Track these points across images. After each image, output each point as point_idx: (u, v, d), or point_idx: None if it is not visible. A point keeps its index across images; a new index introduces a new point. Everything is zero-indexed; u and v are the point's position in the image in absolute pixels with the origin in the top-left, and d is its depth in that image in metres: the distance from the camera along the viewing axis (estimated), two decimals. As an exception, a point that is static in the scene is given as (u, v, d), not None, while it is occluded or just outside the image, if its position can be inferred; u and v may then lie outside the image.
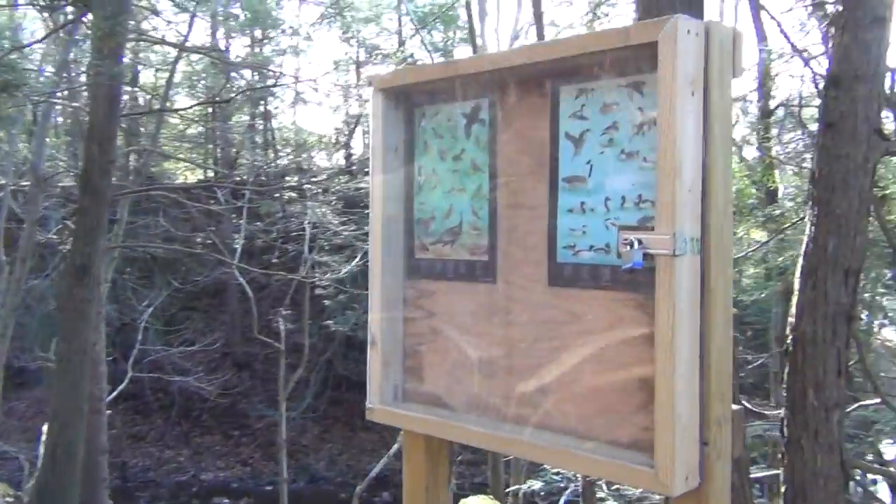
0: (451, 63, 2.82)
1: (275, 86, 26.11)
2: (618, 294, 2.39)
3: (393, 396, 2.99)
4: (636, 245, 2.18)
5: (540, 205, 2.57)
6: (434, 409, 2.87)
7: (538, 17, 17.16)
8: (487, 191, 2.73)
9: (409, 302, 2.99)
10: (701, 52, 2.14)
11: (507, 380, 2.67)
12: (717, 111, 2.18)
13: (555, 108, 2.53)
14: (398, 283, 3.00)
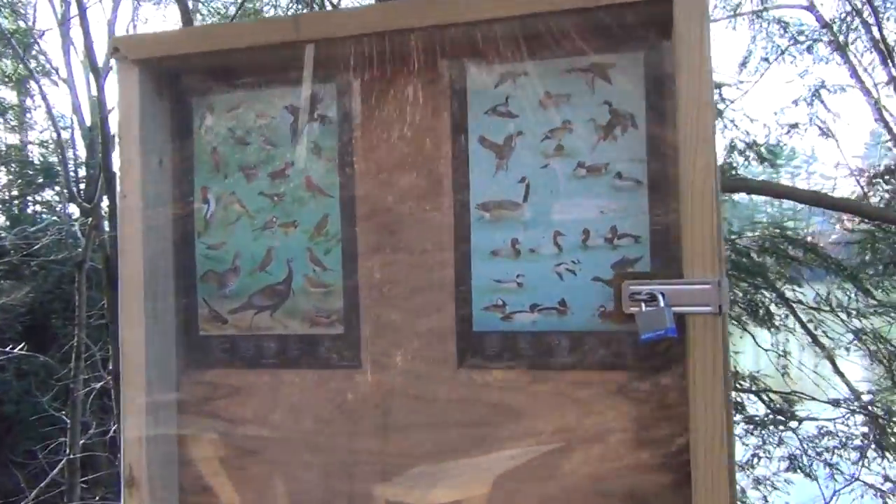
0: (267, 24, 1.79)
1: None
2: (582, 376, 1.61)
3: (170, 568, 1.80)
4: (661, 301, 1.42)
5: (439, 245, 1.68)
6: (252, 580, 1.77)
7: None
8: (339, 225, 1.75)
9: (193, 408, 1.84)
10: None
11: (390, 520, 1.70)
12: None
13: (460, 100, 1.68)
14: (170, 377, 1.83)
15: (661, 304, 1.41)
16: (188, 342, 1.85)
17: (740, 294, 5.85)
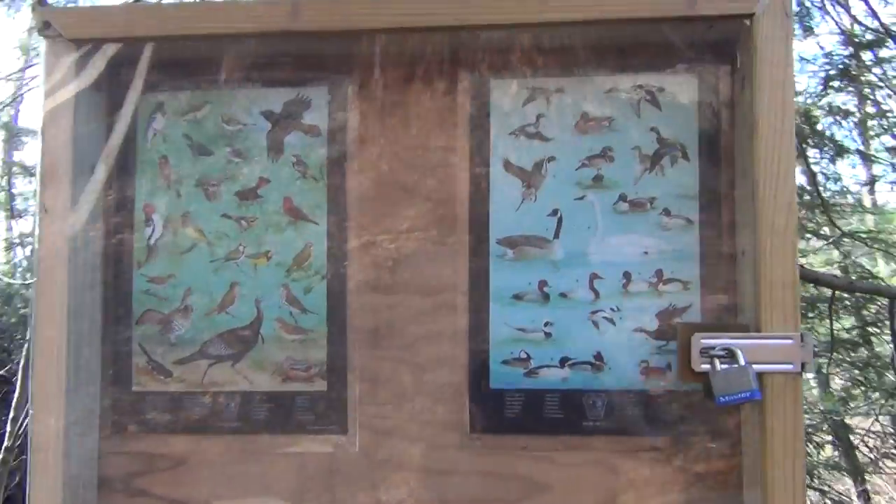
0: (253, 7, 1.46)
1: None
2: (621, 443, 1.38)
3: None
4: (742, 359, 1.22)
5: (450, 285, 1.41)
6: None
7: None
8: (325, 258, 1.44)
9: (120, 485, 1.44)
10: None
11: None
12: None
13: (481, 117, 1.44)
14: (90, 444, 1.43)
15: (742, 361, 1.21)
16: (117, 400, 1.46)
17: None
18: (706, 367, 1.24)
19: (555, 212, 1.41)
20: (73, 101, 1.40)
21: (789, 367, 1.22)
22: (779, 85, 1.26)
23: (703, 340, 1.25)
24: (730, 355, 1.23)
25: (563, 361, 1.39)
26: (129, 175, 1.48)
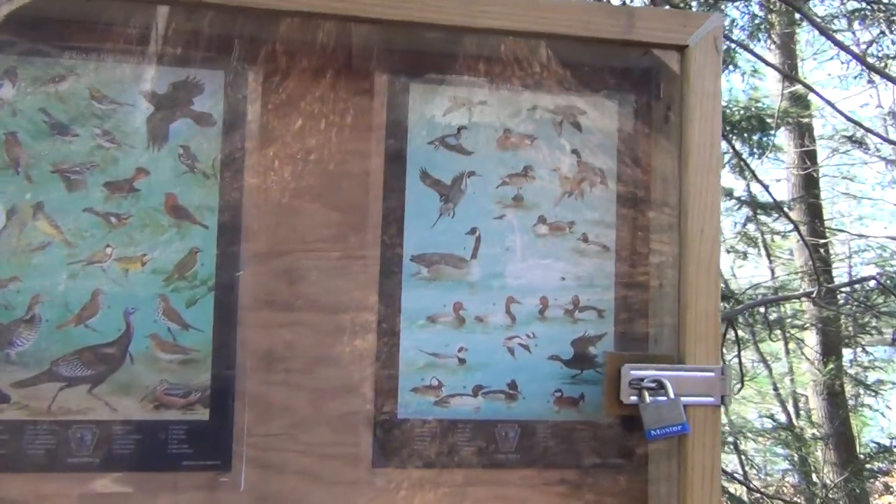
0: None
1: None
2: (531, 476, 1.31)
3: None
4: (671, 391, 1.20)
5: (357, 303, 1.28)
6: None
7: None
8: (214, 267, 1.25)
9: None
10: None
11: None
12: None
13: (398, 121, 1.32)
14: None
15: (672, 394, 1.19)
16: (-69, 431, 1.16)
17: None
18: (634, 399, 1.21)
19: (473, 230, 1.32)
20: None
21: (710, 399, 1.23)
22: (708, 117, 1.27)
23: (632, 372, 1.22)
24: (659, 387, 1.21)
25: (477, 389, 1.30)
26: (-37, 152, 1.20)
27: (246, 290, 1.25)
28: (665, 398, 1.20)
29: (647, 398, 1.20)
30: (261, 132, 1.28)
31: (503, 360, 1.31)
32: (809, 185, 7.93)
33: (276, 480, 1.24)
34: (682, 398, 1.21)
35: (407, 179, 1.31)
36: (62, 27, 1.23)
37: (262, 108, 1.28)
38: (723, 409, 1.26)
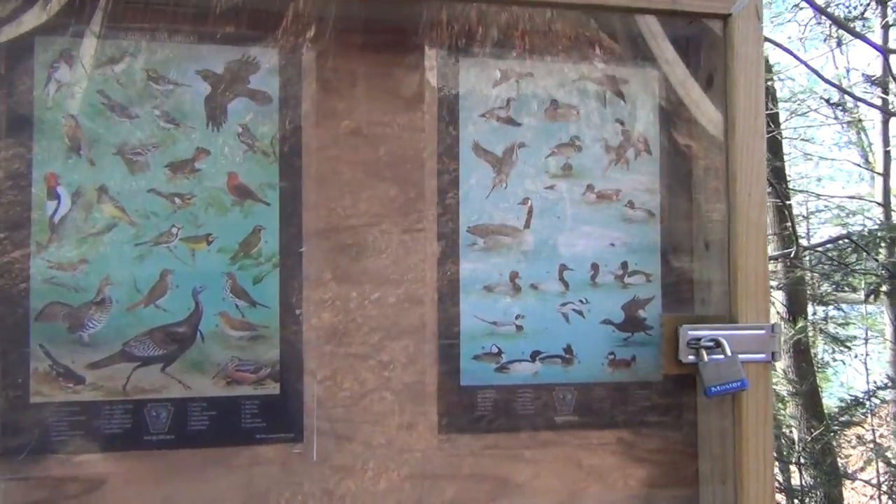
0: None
1: None
2: (589, 436, 1.36)
3: None
4: (728, 349, 1.25)
5: (418, 276, 1.31)
6: None
7: None
8: (278, 244, 1.27)
9: (15, 518, 1.16)
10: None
11: None
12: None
13: (449, 95, 1.34)
14: (-28, 472, 1.14)
15: (729, 352, 1.25)
16: (9, 415, 1.17)
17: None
18: (692, 358, 1.27)
19: (525, 200, 1.35)
20: (-41, 37, 1.10)
21: (762, 356, 1.28)
22: (752, 83, 1.31)
23: (689, 332, 1.27)
24: (715, 346, 1.26)
25: (535, 355, 1.34)
26: (25, 136, 1.19)
27: (309, 265, 1.27)
28: (722, 356, 1.25)
29: (706, 357, 1.25)
30: (316, 109, 1.29)
31: (558, 325, 1.35)
32: (773, 148, 8.09)
33: (346, 450, 1.27)
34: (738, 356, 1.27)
35: (460, 152, 1.34)
36: (114, 6, 1.23)
37: (317, 84, 1.29)
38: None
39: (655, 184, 1.40)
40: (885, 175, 6.96)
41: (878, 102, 6.25)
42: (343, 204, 1.29)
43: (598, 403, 1.36)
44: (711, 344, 1.26)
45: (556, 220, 1.36)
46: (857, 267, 6.34)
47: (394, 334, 1.30)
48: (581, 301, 1.36)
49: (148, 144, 1.23)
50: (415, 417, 1.30)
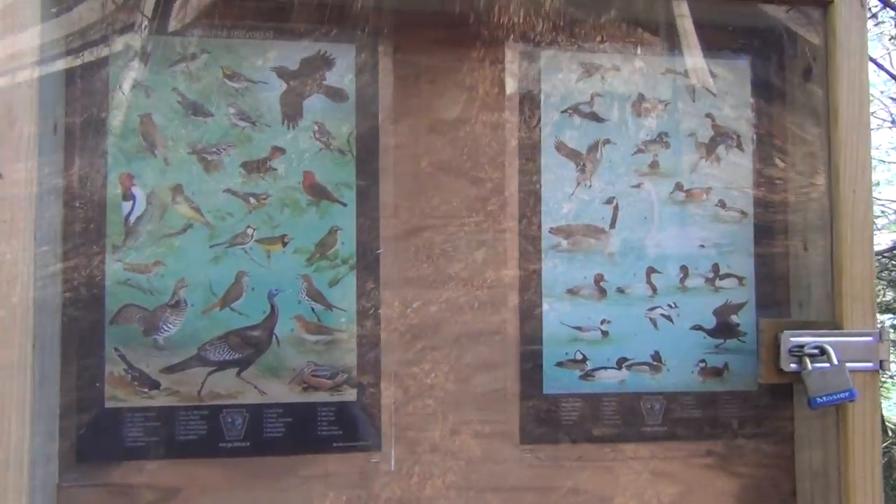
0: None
1: None
2: (678, 448, 1.29)
3: None
4: (834, 357, 1.17)
5: (499, 278, 1.26)
6: None
7: None
8: (355, 245, 1.23)
9: (90, 526, 1.14)
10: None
11: None
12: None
13: (531, 90, 1.29)
14: (47, 478, 1.12)
15: (835, 360, 1.16)
16: (84, 420, 1.15)
17: None
18: (795, 366, 1.19)
19: (611, 199, 1.29)
20: (38, 44, 1.08)
21: (869, 365, 1.20)
22: (855, 73, 1.23)
23: (792, 339, 1.19)
24: (819, 353, 1.18)
25: (621, 362, 1.28)
26: (100, 136, 1.17)
27: (387, 267, 1.23)
28: (828, 364, 1.16)
29: (810, 365, 1.17)
30: (394, 105, 1.25)
31: (646, 331, 1.28)
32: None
33: (424, 460, 1.22)
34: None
35: (542, 149, 1.28)
36: (192, 4, 1.20)
37: (394, 80, 1.25)
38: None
39: (748, 181, 1.33)
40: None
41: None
42: (421, 204, 1.24)
43: (688, 413, 1.29)
44: (816, 351, 1.18)
45: (643, 220, 1.30)
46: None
47: (474, 339, 1.24)
48: (670, 305, 1.29)
49: (223, 143, 1.20)
50: (495, 427, 1.24)
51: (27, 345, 1.03)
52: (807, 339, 1.19)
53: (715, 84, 1.33)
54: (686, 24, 1.31)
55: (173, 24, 1.20)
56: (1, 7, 1.07)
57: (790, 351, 1.19)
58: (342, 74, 1.24)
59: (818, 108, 1.27)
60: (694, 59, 1.32)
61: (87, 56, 1.17)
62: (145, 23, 1.20)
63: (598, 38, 1.30)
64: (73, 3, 1.14)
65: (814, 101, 1.28)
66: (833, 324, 1.21)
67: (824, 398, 1.15)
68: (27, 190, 1.05)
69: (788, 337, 1.19)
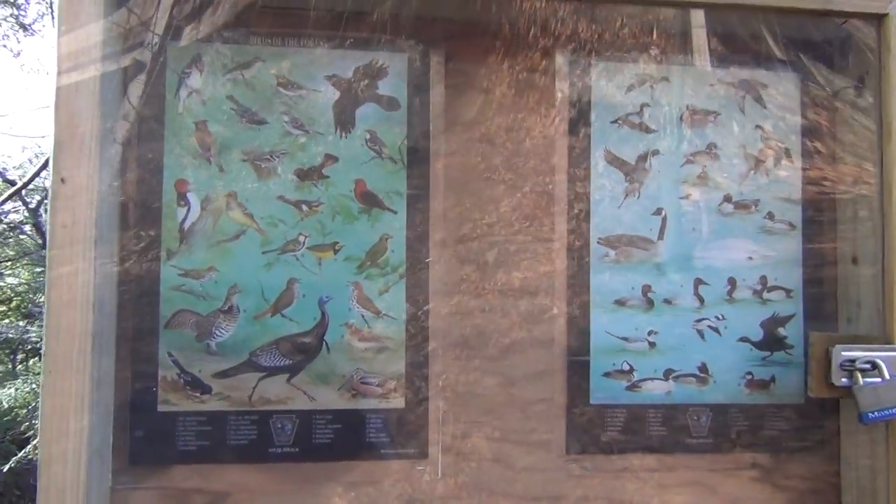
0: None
1: None
2: (724, 460, 1.29)
3: None
4: (886, 371, 1.17)
5: (547, 287, 1.26)
6: None
7: None
8: (405, 253, 1.24)
9: (143, 528, 1.15)
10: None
11: None
12: None
13: (581, 100, 1.29)
14: (101, 479, 1.13)
15: (887, 375, 1.16)
16: (137, 423, 1.16)
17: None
18: (846, 381, 1.18)
19: (659, 210, 1.29)
20: (100, 42, 1.09)
21: (923, 380, 1.19)
22: (911, 90, 1.22)
23: (843, 353, 1.18)
24: (871, 368, 1.17)
25: (668, 373, 1.28)
26: (156, 142, 1.19)
27: (436, 275, 1.23)
28: (879, 379, 1.16)
29: (861, 380, 1.16)
30: (445, 114, 1.25)
31: (693, 342, 1.28)
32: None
33: (472, 468, 1.22)
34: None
35: (591, 159, 1.28)
36: (245, 12, 1.21)
37: (445, 89, 1.25)
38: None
39: (797, 194, 1.32)
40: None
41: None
42: (471, 213, 1.25)
43: (735, 426, 1.29)
44: (867, 366, 1.17)
45: (692, 231, 1.29)
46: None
47: (522, 349, 1.24)
48: (717, 317, 1.29)
49: (276, 150, 1.21)
50: (541, 436, 1.24)
51: (87, 346, 1.05)
52: (858, 353, 1.18)
53: (765, 96, 1.33)
54: (737, 36, 1.31)
55: (229, 33, 1.21)
56: (64, 21, 1.08)
57: (841, 365, 1.18)
58: (395, 83, 1.25)
59: (870, 121, 1.26)
60: (744, 70, 1.32)
61: (145, 63, 1.18)
62: (201, 31, 1.21)
63: (648, 49, 1.30)
64: (134, 22, 1.15)
65: (866, 114, 1.27)
66: (884, 338, 1.21)
67: (876, 413, 1.15)
68: (88, 195, 1.06)
69: (840, 351, 1.18)
